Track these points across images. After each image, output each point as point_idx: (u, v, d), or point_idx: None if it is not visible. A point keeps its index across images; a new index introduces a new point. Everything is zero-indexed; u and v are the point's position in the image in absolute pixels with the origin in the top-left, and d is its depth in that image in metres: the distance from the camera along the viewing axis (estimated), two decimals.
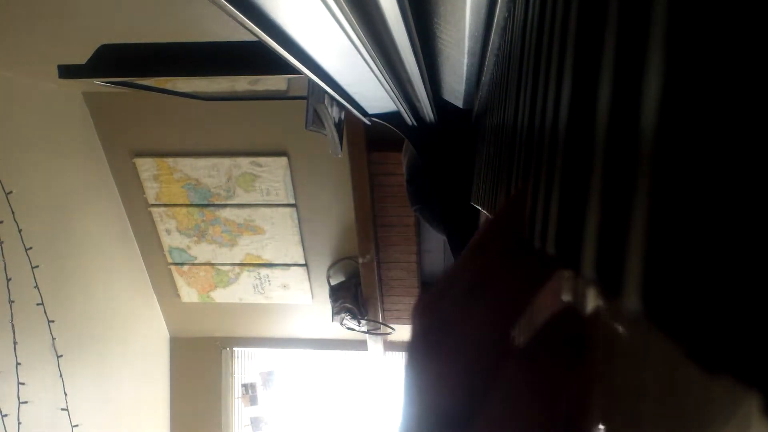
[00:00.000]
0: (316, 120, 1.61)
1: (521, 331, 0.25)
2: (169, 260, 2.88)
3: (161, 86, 1.39)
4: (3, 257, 1.97)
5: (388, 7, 0.32)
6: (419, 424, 0.20)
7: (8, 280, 1.98)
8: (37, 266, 2.10)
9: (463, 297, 0.20)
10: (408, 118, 0.75)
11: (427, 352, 0.20)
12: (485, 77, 0.54)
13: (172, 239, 2.82)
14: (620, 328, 0.16)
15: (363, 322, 2.66)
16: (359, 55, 0.40)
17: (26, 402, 2.03)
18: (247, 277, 2.88)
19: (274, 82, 1.67)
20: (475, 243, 0.21)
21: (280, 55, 0.40)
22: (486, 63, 0.49)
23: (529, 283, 0.20)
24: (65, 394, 2.25)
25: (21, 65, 2.06)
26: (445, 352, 0.20)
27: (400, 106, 0.66)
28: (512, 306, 0.20)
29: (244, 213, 2.68)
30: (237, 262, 2.84)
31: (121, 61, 0.97)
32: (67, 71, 0.95)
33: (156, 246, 2.85)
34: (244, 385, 3.16)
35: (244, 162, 2.55)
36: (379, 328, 2.72)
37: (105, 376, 2.61)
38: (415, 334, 0.21)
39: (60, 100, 2.38)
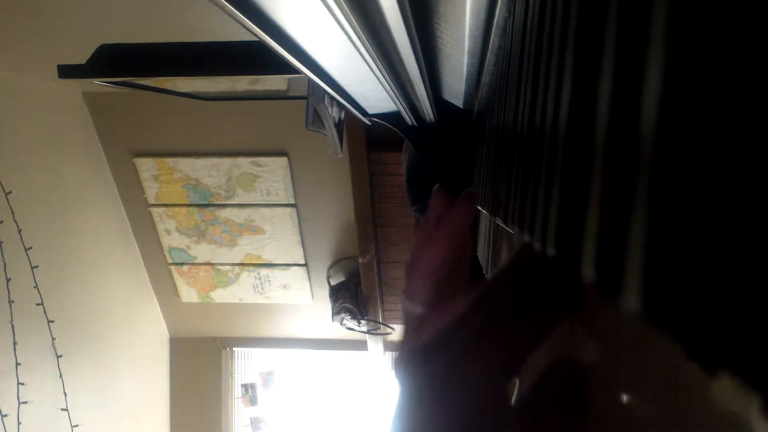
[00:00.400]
0: (316, 120, 1.61)
1: (522, 382, 0.25)
2: (169, 260, 2.88)
3: (161, 86, 1.39)
4: (3, 257, 1.97)
5: (388, 7, 0.32)
6: None
7: (8, 280, 1.98)
8: (36, 266, 2.10)
9: (466, 346, 0.20)
10: (408, 118, 0.75)
11: (426, 401, 0.20)
12: (485, 77, 0.54)
13: (171, 239, 2.81)
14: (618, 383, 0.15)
15: (363, 322, 2.66)
16: (359, 55, 0.40)
17: (26, 402, 2.03)
18: (247, 277, 2.88)
19: (274, 82, 1.67)
20: (481, 294, 0.21)
21: (280, 55, 0.40)
22: (486, 63, 0.49)
23: (532, 336, 0.20)
24: (65, 394, 2.25)
25: (21, 65, 2.06)
26: (445, 402, 0.19)
27: (400, 106, 0.66)
28: (515, 358, 0.20)
29: (244, 213, 2.68)
30: (237, 262, 2.84)
31: (121, 61, 0.97)
32: (67, 71, 0.95)
33: (156, 246, 2.85)
34: (244, 386, 3.16)
35: (244, 162, 2.55)
36: (379, 328, 2.72)
37: (105, 376, 2.61)
38: (413, 382, 0.21)
39: (60, 100, 2.38)
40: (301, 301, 2.92)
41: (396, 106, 0.66)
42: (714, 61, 0.08)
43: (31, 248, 2.08)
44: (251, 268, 2.85)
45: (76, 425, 2.28)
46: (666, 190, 0.10)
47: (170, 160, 2.59)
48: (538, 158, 0.21)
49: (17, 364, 2.01)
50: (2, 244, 1.96)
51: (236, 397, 3.17)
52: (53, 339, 2.20)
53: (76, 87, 2.42)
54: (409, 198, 1.24)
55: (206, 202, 2.68)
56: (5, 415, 1.96)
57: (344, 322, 2.64)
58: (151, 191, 2.69)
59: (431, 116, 0.74)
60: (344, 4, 0.29)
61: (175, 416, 3.15)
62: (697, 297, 0.09)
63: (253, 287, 2.91)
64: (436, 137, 0.81)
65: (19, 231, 2.03)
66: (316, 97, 1.55)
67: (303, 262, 2.79)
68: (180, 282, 2.95)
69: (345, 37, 0.35)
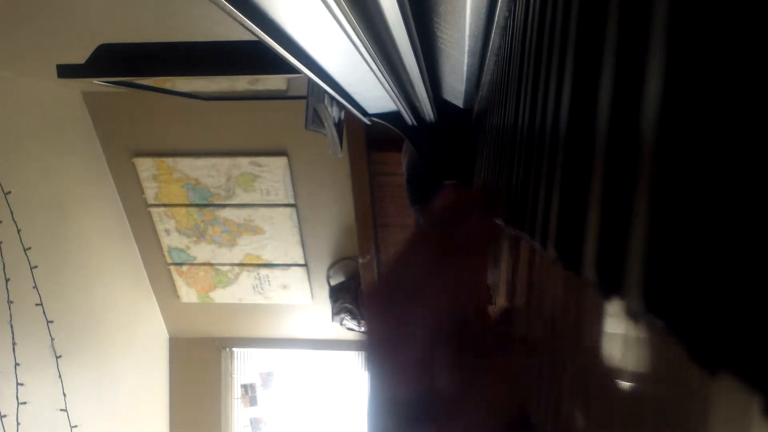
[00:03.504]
0: (316, 120, 1.61)
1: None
2: (169, 260, 2.88)
3: (160, 86, 1.39)
4: (2, 257, 1.97)
5: (388, 7, 0.32)
6: (382, 414, 0.23)
7: (7, 280, 1.98)
8: (36, 266, 2.10)
9: (408, 294, 0.22)
10: (408, 118, 0.75)
11: (382, 348, 0.22)
12: (485, 77, 0.54)
13: (171, 239, 2.81)
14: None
15: (363, 322, 2.66)
16: (359, 55, 0.40)
17: (25, 403, 2.03)
18: (246, 278, 2.88)
19: (274, 82, 1.67)
20: (413, 242, 0.23)
21: (280, 55, 0.40)
22: (486, 63, 0.49)
23: (465, 282, 0.22)
24: (64, 395, 2.24)
25: (20, 65, 2.06)
26: (398, 346, 0.22)
27: (400, 106, 0.66)
28: (452, 301, 0.22)
29: (244, 213, 2.68)
30: (236, 262, 2.84)
31: (120, 61, 0.97)
32: (66, 71, 0.95)
33: (155, 246, 2.85)
34: (244, 386, 3.16)
35: (244, 162, 2.55)
36: None
37: (104, 376, 2.61)
38: (370, 331, 0.23)
39: (59, 100, 2.38)
40: (301, 302, 2.92)
41: (396, 106, 0.66)
42: (715, 63, 0.08)
43: (30, 248, 2.08)
44: (251, 269, 2.85)
45: (76, 426, 2.28)
46: (666, 192, 0.10)
47: (169, 160, 2.59)
48: (539, 158, 0.21)
49: (16, 364, 2.01)
50: (1, 244, 1.96)
51: (236, 397, 3.17)
52: (52, 339, 2.19)
53: (76, 87, 2.42)
54: (409, 198, 1.24)
55: (206, 202, 2.68)
56: (4, 416, 1.95)
57: (344, 322, 2.64)
58: (151, 191, 2.68)
59: (431, 116, 0.74)
60: (344, 4, 0.29)
61: (174, 417, 3.14)
62: (698, 298, 0.09)
63: (253, 287, 2.91)
64: (436, 137, 0.81)
65: (18, 231, 2.03)
66: (316, 97, 1.55)
67: (303, 262, 2.79)
68: (179, 282, 2.95)
69: (345, 36, 0.35)
